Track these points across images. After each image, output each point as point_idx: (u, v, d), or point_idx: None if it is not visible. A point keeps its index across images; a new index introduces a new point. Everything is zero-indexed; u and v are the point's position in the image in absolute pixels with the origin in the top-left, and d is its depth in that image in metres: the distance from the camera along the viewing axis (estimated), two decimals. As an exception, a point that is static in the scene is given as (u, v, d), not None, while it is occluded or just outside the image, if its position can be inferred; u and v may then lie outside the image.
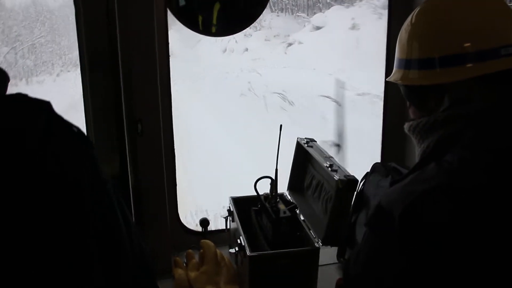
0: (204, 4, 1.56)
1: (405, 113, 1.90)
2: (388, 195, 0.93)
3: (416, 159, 1.02)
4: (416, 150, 1.05)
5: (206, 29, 1.59)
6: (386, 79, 1.13)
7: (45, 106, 0.81)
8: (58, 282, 0.74)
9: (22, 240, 0.71)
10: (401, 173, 1.57)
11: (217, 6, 1.56)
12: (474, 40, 0.94)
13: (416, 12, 1.05)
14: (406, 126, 1.08)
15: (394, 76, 1.09)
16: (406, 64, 1.04)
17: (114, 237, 0.85)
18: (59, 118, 0.83)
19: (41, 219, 0.73)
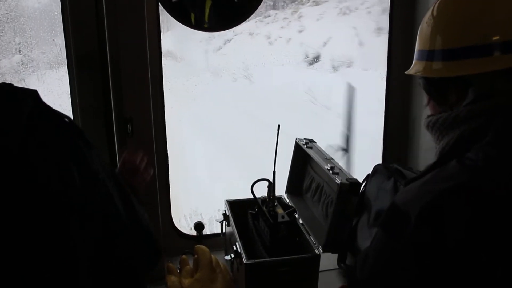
0: (196, 1, 1.50)
1: (407, 113, 1.86)
2: (404, 194, 0.88)
3: (434, 156, 0.96)
4: (436, 147, 0.99)
5: (198, 25, 1.53)
6: (405, 72, 1.06)
7: (30, 94, 0.80)
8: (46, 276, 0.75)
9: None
10: (404, 175, 1.51)
11: (208, 3, 1.50)
12: (502, 30, 0.90)
13: (438, 2, 1.00)
14: (424, 122, 1.03)
15: (415, 68, 1.04)
16: (429, 55, 0.98)
17: (114, 225, 0.88)
18: (47, 107, 0.81)
19: (23, 211, 0.73)
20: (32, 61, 1.97)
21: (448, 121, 0.94)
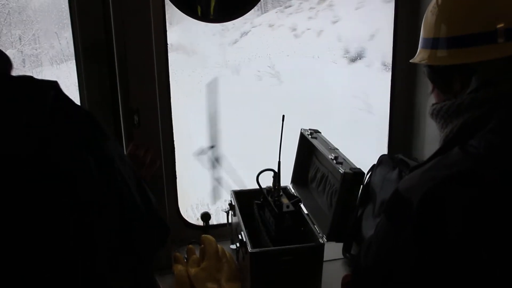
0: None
1: (412, 104, 1.85)
2: (407, 181, 0.90)
3: (438, 144, 0.97)
4: (439, 135, 1.00)
5: (204, 16, 1.54)
6: (410, 61, 1.07)
7: (52, 85, 0.83)
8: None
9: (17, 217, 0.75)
10: (408, 165, 1.51)
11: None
12: (506, 17, 0.90)
13: None
14: (429, 110, 1.03)
15: (420, 56, 1.04)
16: (434, 43, 0.99)
17: (129, 209, 0.94)
18: (67, 99, 0.85)
19: (44, 197, 0.77)
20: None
21: (452, 109, 0.94)
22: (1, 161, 0.73)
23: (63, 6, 1.47)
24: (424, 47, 1.03)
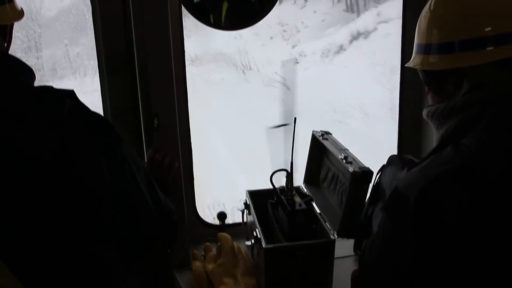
0: (213, 3, 1.59)
1: (421, 105, 1.89)
2: (404, 180, 0.94)
3: (434, 145, 1.01)
4: (435, 137, 1.05)
5: (216, 23, 1.62)
6: (405, 65, 1.13)
7: (69, 94, 0.92)
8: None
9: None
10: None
11: (225, 5, 1.59)
12: (494, 23, 0.94)
13: None
14: (424, 112, 1.08)
15: (414, 61, 1.09)
16: (426, 49, 1.04)
17: (140, 207, 1.03)
18: (82, 106, 0.94)
19: (61, 199, 0.85)
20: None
21: (446, 111, 0.99)
22: (27, 159, 0.83)
23: (87, 17, 1.57)
24: (417, 52, 1.08)
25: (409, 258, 0.90)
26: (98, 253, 0.91)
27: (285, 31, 7.39)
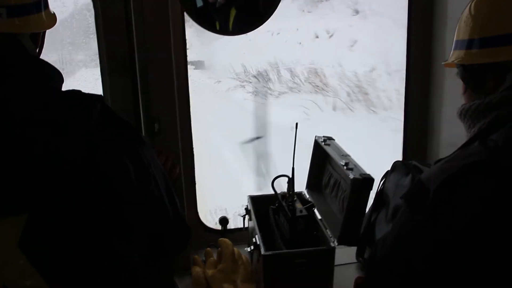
0: (220, 10, 1.59)
1: (427, 110, 1.87)
2: (429, 171, 0.94)
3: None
4: (466, 136, 1.03)
5: (223, 30, 1.61)
6: (443, 63, 1.12)
7: (98, 99, 0.93)
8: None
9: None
10: (422, 171, 1.53)
11: (233, 12, 1.58)
12: None
13: None
14: (457, 110, 1.06)
15: (453, 56, 1.08)
16: (468, 44, 1.03)
17: (159, 211, 1.02)
18: (110, 110, 0.95)
19: (91, 201, 0.85)
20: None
21: (481, 107, 0.97)
22: (61, 163, 0.83)
23: (90, 22, 1.57)
24: (458, 48, 1.07)
25: (423, 252, 0.88)
26: (125, 254, 0.91)
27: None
